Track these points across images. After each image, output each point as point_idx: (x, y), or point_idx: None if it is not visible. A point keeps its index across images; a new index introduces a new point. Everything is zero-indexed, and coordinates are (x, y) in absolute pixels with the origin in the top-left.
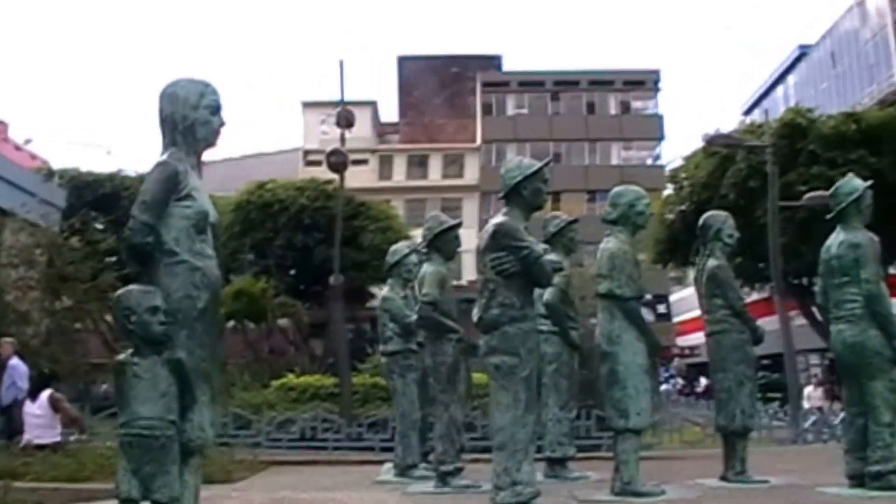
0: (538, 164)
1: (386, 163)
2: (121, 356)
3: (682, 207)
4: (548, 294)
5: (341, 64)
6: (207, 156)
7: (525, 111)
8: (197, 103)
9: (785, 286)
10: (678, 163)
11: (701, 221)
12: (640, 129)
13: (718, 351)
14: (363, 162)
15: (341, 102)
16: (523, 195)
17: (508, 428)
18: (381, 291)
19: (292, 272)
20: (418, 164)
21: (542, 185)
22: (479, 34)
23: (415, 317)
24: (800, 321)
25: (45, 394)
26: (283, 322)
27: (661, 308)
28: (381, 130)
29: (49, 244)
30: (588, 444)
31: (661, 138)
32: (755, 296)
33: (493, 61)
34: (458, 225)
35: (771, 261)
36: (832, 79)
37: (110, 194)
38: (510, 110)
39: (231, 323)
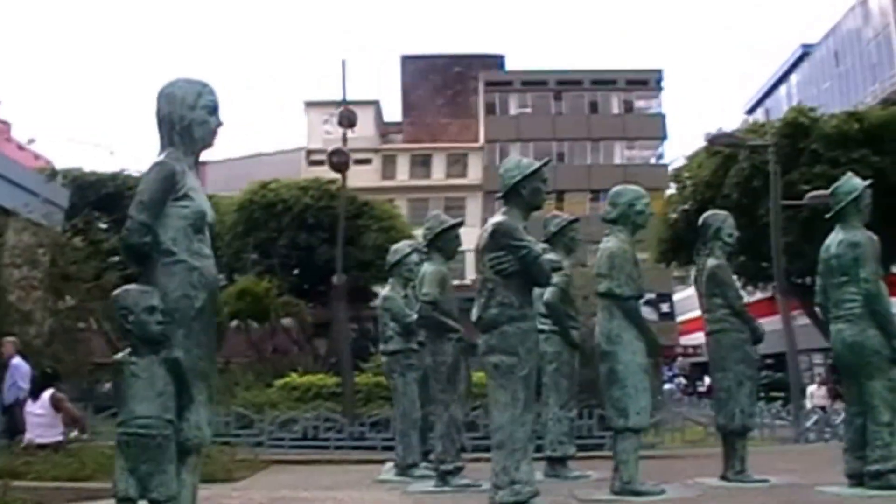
0: (537, 164)
1: (389, 162)
2: (118, 355)
3: (685, 207)
4: (548, 293)
5: (343, 64)
6: (211, 156)
7: (528, 111)
8: (194, 103)
9: (788, 285)
10: (681, 162)
11: (700, 221)
12: (643, 128)
13: (718, 350)
14: (366, 161)
15: (343, 102)
16: (522, 195)
17: (507, 427)
18: (383, 291)
19: (296, 272)
20: (421, 163)
21: (541, 184)
22: (482, 34)
23: (415, 316)
24: (803, 320)
25: (47, 393)
26: (286, 322)
27: (665, 307)
28: (385, 130)
29: (52, 244)
30: (591, 443)
31: (663, 138)
32: (758, 295)
33: (495, 61)
34: (459, 224)
35: (774, 260)
36: (835, 78)
37: (113, 194)
38: (513, 110)
39: (235, 322)
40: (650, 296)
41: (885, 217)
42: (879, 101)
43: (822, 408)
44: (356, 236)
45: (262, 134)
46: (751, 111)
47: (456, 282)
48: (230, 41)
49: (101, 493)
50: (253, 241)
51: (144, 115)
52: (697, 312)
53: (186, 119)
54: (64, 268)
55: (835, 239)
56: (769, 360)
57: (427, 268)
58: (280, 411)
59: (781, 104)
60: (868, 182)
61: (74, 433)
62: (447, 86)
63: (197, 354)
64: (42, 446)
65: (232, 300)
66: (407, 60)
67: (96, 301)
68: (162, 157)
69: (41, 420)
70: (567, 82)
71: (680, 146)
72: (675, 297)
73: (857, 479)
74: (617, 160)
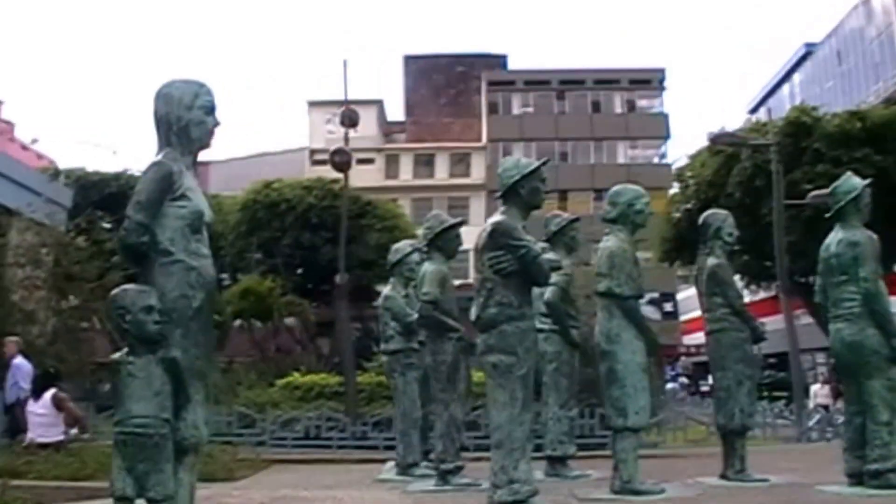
0: (535, 164)
1: (392, 162)
2: (116, 355)
3: (688, 206)
4: (548, 293)
5: (345, 63)
6: (215, 155)
7: (531, 110)
8: (191, 104)
9: (791, 285)
10: (684, 161)
11: (700, 220)
12: (646, 127)
13: (718, 350)
14: (369, 161)
15: (345, 102)
16: (521, 194)
17: (505, 426)
18: (384, 290)
19: (299, 271)
20: (424, 163)
21: (540, 184)
22: (485, 33)
23: (416, 315)
24: (806, 320)
25: (49, 393)
26: (289, 321)
27: (668, 306)
28: (388, 129)
29: (55, 244)
30: (592, 442)
31: (666, 137)
32: (762, 294)
33: (498, 60)
34: (460, 224)
35: (777, 259)
36: (838, 77)
37: (116, 194)
38: (516, 109)
39: (238, 322)
40: (653, 295)
41: (888, 216)
42: (882, 100)
43: (826, 407)
44: (359, 236)
45: (265, 134)
46: (754, 110)
47: (459, 281)
48: (234, 41)
49: (101, 493)
50: (256, 240)
51: (147, 115)
52: (700, 312)
53: (184, 119)
54: (67, 267)
55: (834, 238)
56: (772, 360)
57: (427, 267)
58: (282, 411)
59: (784, 103)
60: (867, 181)
61: (74, 431)
62: (450, 85)
63: (194, 354)
64: (43, 446)
65: (235, 299)
66: (410, 60)
67: (100, 301)
68: (159, 157)
69: (43, 420)
70: (570, 82)
71: (683, 146)
72: (679, 296)
73: (856, 478)
74: (620, 160)
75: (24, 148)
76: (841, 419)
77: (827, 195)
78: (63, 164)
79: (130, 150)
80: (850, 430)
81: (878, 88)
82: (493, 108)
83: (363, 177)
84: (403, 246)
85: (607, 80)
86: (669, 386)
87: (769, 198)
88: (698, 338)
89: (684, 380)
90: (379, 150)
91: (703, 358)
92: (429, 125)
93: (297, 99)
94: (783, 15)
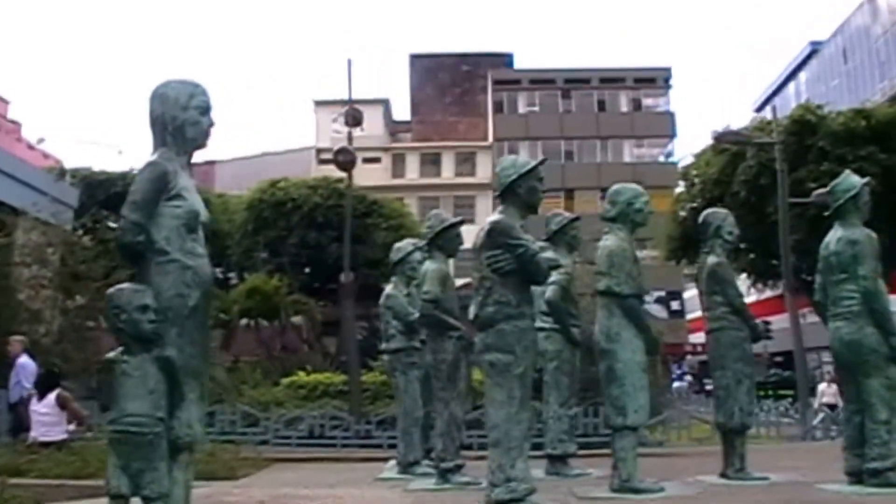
0: (532, 163)
1: (398, 161)
2: (111, 354)
3: (694, 204)
4: (549, 291)
5: (349, 63)
6: (221, 154)
7: (536, 109)
8: (187, 104)
9: (797, 283)
10: (689, 160)
11: (701, 219)
12: (652, 126)
13: (717, 348)
14: (376, 160)
15: (349, 101)
16: (518, 193)
17: (503, 425)
18: (385, 289)
19: (306, 270)
20: (431, 162)
21: (538, 183)
22: (490, 32)
23: (417, 314)
24: (812, 318)
25: (54, 393)
26: (296, 320)
27: (675, 305)
28: (394, 129)
29: (61, 243)
30: (595, 441)
31: (672, 136)
32: (768, 293)
33: (503, 59)
34: (461, 223)
35: (782, 258)
36: (843, 75)
37: (122, 193)
38: (521, 108)
39: (244, 321)
40: (660, 293)
41: (893, 214)
42: (888, 98)
43: (832, 406)
44: (365, 235)
45: (272, 133)
46: (759, 109)
47: (462, 280)
48: (240, 40)
49: (103, 491)
50: (263, 239)
51: None
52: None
53: (179, 119)
54: (73, 267)
55: (833, 236)
56: (778, 358)
57: (428, 266)
58: (286, 409)
59: (790, 102)
60: (866, 179)
61: (72, 426)
62: (455, 84)
63: (190, 353)
64: (46, 444)
65: (242, 298)
66: (415, 59)
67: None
68: (154, 157)
69: (46, 418)
70: (575, 80)
71: (689, 144)
72: (685, 294)
73: (856, 476)
74: (626, 158)
75: (31, 148)
76: None
77: (826, 193)
78: (69, 164)
79: (136, 149)
80: (850, 428)
81: (883, 86)
82: (498, 107)
83: (369, 176)
84: (405, 245)
85: (613, 79)
86: (676, 385)
87: (775, 196)
88: (703, 337)
89: (690, 378)
90: (385, 150)
91: None
92: (435, 124)
93: (303, 98)
94: (789, 14)
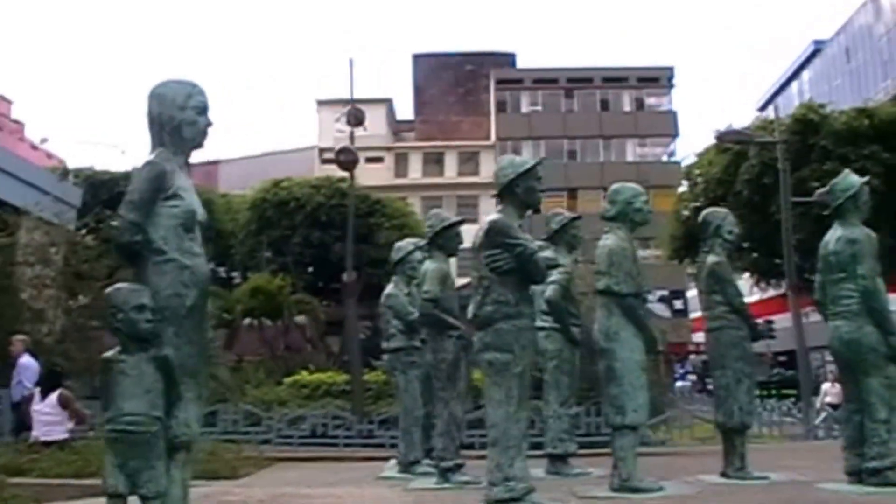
0: (531, 163)
1: (402, 160)
2: (108, 353)
3: (697, 204)
4: (549, 290)
5: (351, 63)
6: (224, 154)
7: (539, 108)
8: (184, 104)
9: (800, 282)
10: (692, 159)
11: (700, 218)
12: (655, 125)
13: (717, 348)
14: (379, 160)
15: (351, 100)
16: (517, 193)
17: (501, 424)
18: (386, 288)
19: (310, 269)
20: (434, 161)
21: (536, 182)
22: (493, 32)
23: (417, 314)
24: (815, 317)
25: (56, 392)
26: (299, 319)
27: (678, 304)
28: (397, 128)
29: (64, 242)
30: (596, 440)
31: (675, 135)
32: (771, 292)
33: (506, 59)
34: (461, 222)
35: (785, 257)
36: (846, 74)
37: (125, 193)
38: (524, 107)
39: (248, 320)
40: (663, 293)
41: None
42: (891, 97)
43: (835, 406)
44: (369, 234)
45: (275, 133)
46: (763, 108)
47: (463, 280)
48: (243, 40)
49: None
50: (266, 238)
51: None
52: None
53: (176, 119)
54: (76, 266)
55: (833, 235)
56: (782, 358)
57: (428, 265)
58: (289, 409)
59: (793, 101)
60: (865, 179)
61: (70, 425)
62: (459, 84)
63: (187, 352)
64: (48, 443)
65: (245, 298)
66: (419, 59)
67: None
68: (152, 156)
69: (48, 418)
70: (578, 80)
71: (692, 143)
72: (689, 293)
73: (856, 475)
74: (629, 157)
75: (34, 148)
76: None
77: (825, 193)
78: (72, 164)
79: (139, 149)
80: (850, 427)
81: (886, 85)
82: (501, 107)
83: (373, 175)
84: (405, 244)
85: (616, 79)
86: (679, 384)
87: (777, 195)
88: None
89: (693, 377)
90: (388, 149)
91: None
92: (438, 123)
93: (306, 98)
94: (792, 13)
